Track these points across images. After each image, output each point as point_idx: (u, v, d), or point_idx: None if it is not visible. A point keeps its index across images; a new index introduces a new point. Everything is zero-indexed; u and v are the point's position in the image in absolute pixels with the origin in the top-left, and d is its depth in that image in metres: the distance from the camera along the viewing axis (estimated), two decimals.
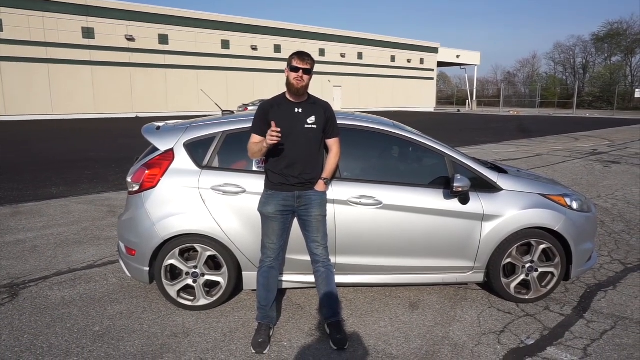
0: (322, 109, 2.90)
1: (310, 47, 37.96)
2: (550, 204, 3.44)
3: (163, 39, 31.94)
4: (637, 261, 4.39)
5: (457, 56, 53.52)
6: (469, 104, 54.99)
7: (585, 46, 67.42)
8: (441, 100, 65.43)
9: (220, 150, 3.31)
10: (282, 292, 3.64)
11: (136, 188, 3.31)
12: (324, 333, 3.03)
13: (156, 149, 3.38)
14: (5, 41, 26.10)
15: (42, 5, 27.04)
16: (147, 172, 3.28)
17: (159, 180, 3.25)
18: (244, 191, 3.18)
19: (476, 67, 57.14)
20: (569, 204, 3.51)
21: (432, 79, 51.28)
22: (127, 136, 17.11)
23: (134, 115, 30.54)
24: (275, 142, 2.66)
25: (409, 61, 47.64)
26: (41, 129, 20.53)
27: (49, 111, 28.05)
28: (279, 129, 2.65)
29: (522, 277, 3.46)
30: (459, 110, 47.61)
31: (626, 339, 2.98)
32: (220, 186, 3.20)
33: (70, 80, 28.61)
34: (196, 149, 3.32)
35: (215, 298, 3.33)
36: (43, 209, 6.43)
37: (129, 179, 3.38)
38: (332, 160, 2.97)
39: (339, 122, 3.15)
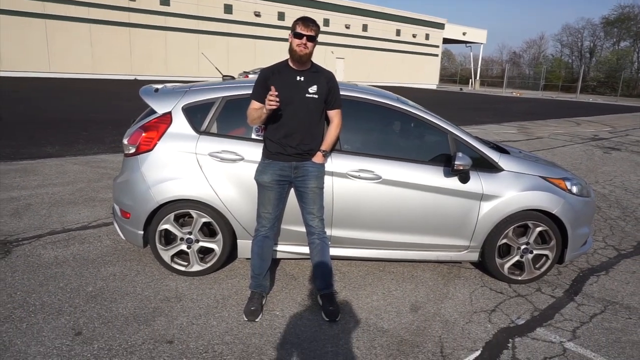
0: (324, 78, 2.82)
1: (315, 16, 36.73)
2: (550, 187, 3.41)
3: (164, 0, 31.09)
4: (630, 248, 4.41)
5: (464, 33, 52.49)
6: (471, 83, 54.37)
7: (594, 29, 66.61)
8: (444, 77, 64.61)
9: (219, 116, 3.24)
10: (275, 262, 3.65)
11: (132, 150, 3.25)
12: (316, 304, 3.04)
13: (154, 112, 3.30)
14: None
15: None
16: (144, 134, 3.21)
17: (155, 144, 3.18)
18: (242, 159, 3.13)
19: (482, 45, 56.18)
20: (569, 187, 3.49)
21: (436, 55, 50.44)
22: (124, 98, 16.85)
23: (132, 78, 30.05)
24: (274, 107, 2.59)
25: (414, 36, 46.75)
26: (37, 87, 20.19)
27: (46, 68, 27.52)
28: (276, 93, 2.57)
29: (517, 258, 3.47)
30: (461, 89, 47.09)
31: (615, 323, 3.01)
32: (218, 152, 3.14)
33: (68, 38, 27.94)
34: (195, 114, 3.24)
35: (209, 265, 3.33)
36: (38, 167, 6.36)
37: (125, 141, 3.32)
38: (332, 132, 2.91)
39: (342, 93, 3.07)
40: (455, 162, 3.09)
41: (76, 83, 24.02)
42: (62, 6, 27.43)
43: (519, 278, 3.49)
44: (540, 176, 3.44)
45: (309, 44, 2.70)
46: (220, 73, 3.85)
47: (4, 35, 25.88)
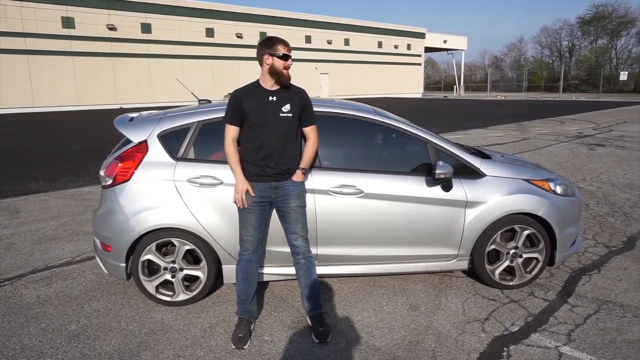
0: (297, 96, 2.80)
1: (296, 34, 37.48)
2: (533, 189, 3.40)
3: (146, 28, 31.25)
4: (621, 244, 4.40)
5: (444, 41, 53.28)
6: (456, 90, 54.99)
7: (571, 29, 67.70)
8: (429, 86, 65.31)
9: (195, 141, 3.20)
10: (264, 284, 3.57)
11: (109, 182, 3.19)
12: (306, 326, 2.97)
13: (129, 141, 3.26)
14: None
15: None
16: (120, 165, 3.16)
17: (132, 173, 3.13)
18: (221, 183, 3.08)
19: (463, 52, 56.97)
20: (552, 188, 3.48)
21: (419, 64, 51.05)
22: (110, 128, 16.73)
23: (118, 107, 30.00)
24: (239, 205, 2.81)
25: (396, 47, 47.35)
26: (22, 122, 20.05)
27: (30, 104, 27.38)
28: (247, 205, 2.78)
29: (507, 263, 3.43)
30: (446, 97, 47.60)
31: (609, 323, 2.97)
32: (196, 178, 3.10)
33: (51, 72, 27.90)
34: (170, 140, 3.20)
35: (195, 293, 3.25)
36: (21, 204, 6.26)
37: (102, 173, 3.26)
38: (309, 149, 2.88)
39: (318, 109, 3.06)
40: (436, 171, 3.07)
41: (61, 116, 23.91)
42: (44, 41, 27.45)
43: (511, 283, 3.45)
44: (523, 179, 3.43)
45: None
46: (196, 97, 3.82)
47: None
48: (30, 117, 23.05)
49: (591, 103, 30.45)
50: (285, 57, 2.70)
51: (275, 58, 2.70)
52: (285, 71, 2.73)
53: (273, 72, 2.72)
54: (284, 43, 2.73)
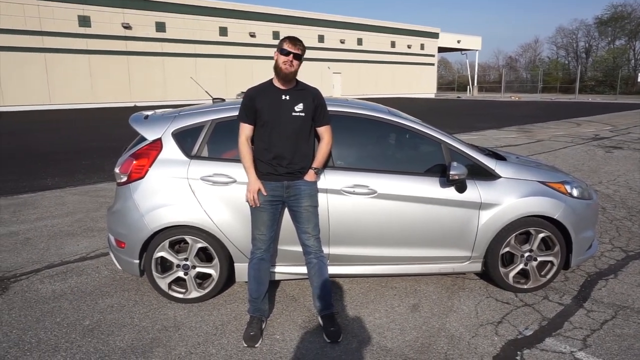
0: (310, 95, 2.79)
1: (309, 33, 37.48)
2: (549, 192, 3.35)
3: (160, 27, 31.55)
4: (638, 248, 4.31)
5: (458, 41, 52.85)
6: (469, 90, 54.52)
7: (588, 30, 66.68)
8: (442, 86, 64.83)
9: (209, 140, 3.21)
10: (276, 283, 3.58)
11: (124, 179, 3.23)
12: (317, 325, 2.96)
13: (144, 139, 3.28)
14: (0, 30, 25.80)
15: None
16: (134, 162, 3.19)
17: (147, 171, 3.16)
18: (234, 181, 3.09)
19: (477, 52, 56.45)
20: (569, 191, 3.42)
21: (432, 64, 50.73)
22: (124, 125, 16.94)
23: (132, 105, 30.34)
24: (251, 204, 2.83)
25: (409, 47, 47.10)
26: (39, 120, 20.39)
27: (47, 101, 27.84)
28: (259, 203, 2.81)
29: (521, 266, 3.39)
30: (459, 97, 47.21)
31: (627, 329, 2.91)
32: (209, 176, 3.11)
33: (67, 70, 28.33)
34: (185, 138, 3.22)
35: (207, 290, 3.27)
36: (37, 200, 6.36)
37: (116, 170, 3.30)
38: (323, 149, 2.87)
39: (332, 109, 3.05)
40: (451, 172, 3.04)
41: (77, 113, 24.25)
42: (61, 39, 27.88)
43: (525, 286, 3.41)
44: (538, 181, 3.38)
45: (295, 62, 2.69)
46: (210, 96, 3.84)
47: (5, 71, 26.27)
48: (46, 115, 23.42)
49: (608, 105, 29.94)
50: (287, 53, 2.67)
51: (278, 54, 2.70)
52: (283, 66, 2.68)
53: (275, 68, 2.72)
54: (292, 40, 2.69)
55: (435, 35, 49.65)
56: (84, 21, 28.60)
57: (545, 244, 3.40)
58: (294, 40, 2.70)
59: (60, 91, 28.31)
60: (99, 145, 11.96)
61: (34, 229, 5.08)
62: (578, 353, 2.65)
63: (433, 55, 50.43)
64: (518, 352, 2.67)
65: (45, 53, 27.54)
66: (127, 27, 30.14)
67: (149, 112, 3.62)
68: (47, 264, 4.08)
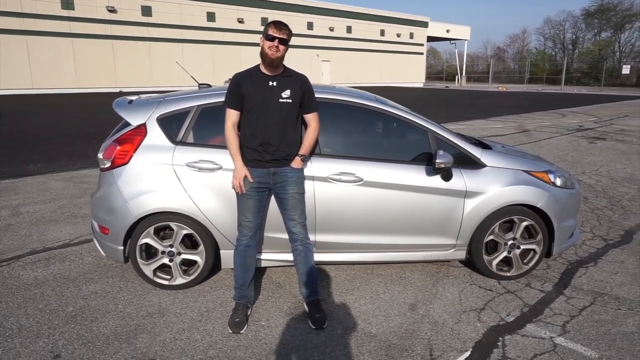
0: (298, 82, 2.77)
1: (298, 20, 37.10)
2: (533, 181, 3.39)
3: (146, 11, 30.89)
4: (618, 237, 4.41)
5: (447, 31, 52.81)
6: (458, 80, 54.69)
7: (575, 21, 67.34)
8: (431, 75, 64.88)
9: (195, 125, 3.17)
10: (262, 270, 3.58)
11: (108, 165, 3.18)
12: (303, 312, 2.98)
13: (128, 124, 3.23)
14: None
15: None
16: (118, 148, 3.14)
17: (131, 157, 3.11)
18: (220, 167, 3.07)
19: (466, 42, 56.55)
20: (552, 180, 3.47)
21: (421, 54, 50.67)
22: (109, 111, 16.65)
23: (117, 90, 29.81)
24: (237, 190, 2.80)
25: (398, 35, 46.94)
26: (21, 104, 19.93)
27: (29, 85, 27.18)
28: (244, 190, 2.77)
29: (504, 254, 3.44)
30: (447, 87, 47.35)
31: (604, 315, 2.98)
32: (195, 162, 3.08)
33: (50, 54, 27.63)
34: (170, 124, 3.18)
35: (192, 277, 3.26)
36: (19, 186, 6.24)
37: (100, 155, 3.24)
38: (310, 136, 2.86)
39: (319, 96, 3.03)
40: (437, 160, 3.05)
41: (60, 98, 23.76)
42: (43, 22, 27.14)
43: (508, 274, 3.46)
44: (523, 170, 3.42)
45: (281, 47, 2.66)
46: (196, 81, 3.78)
47: None
48: (28, 99, 22.89)
49: (593, 96, 30.32)
50: (272, 38, 2.64)
51: (264, 40, 2.67)
52: (269, 51, 2.65)
53: (261, 54, 2.70)
54: (277, 25, 2.66)
55: (424, 25, 49.52)
56: (67, 3, 27.84)
57: (529, 233, 3.45)
58: (279, 25, 2.66)
59: (44, 76, 27.64)
60: (81, 130, 11.75)
61: (16, 215, 4.99)
62: (557, 338, 2.72)
63: (422, 45, 50.34)
64: (500, 338, 2.72)
65: (27, 36, 26.81)
66: (111, 10, 29.43)
67: (133, 97, 3.56)
68: (29, 250, 4.02)
